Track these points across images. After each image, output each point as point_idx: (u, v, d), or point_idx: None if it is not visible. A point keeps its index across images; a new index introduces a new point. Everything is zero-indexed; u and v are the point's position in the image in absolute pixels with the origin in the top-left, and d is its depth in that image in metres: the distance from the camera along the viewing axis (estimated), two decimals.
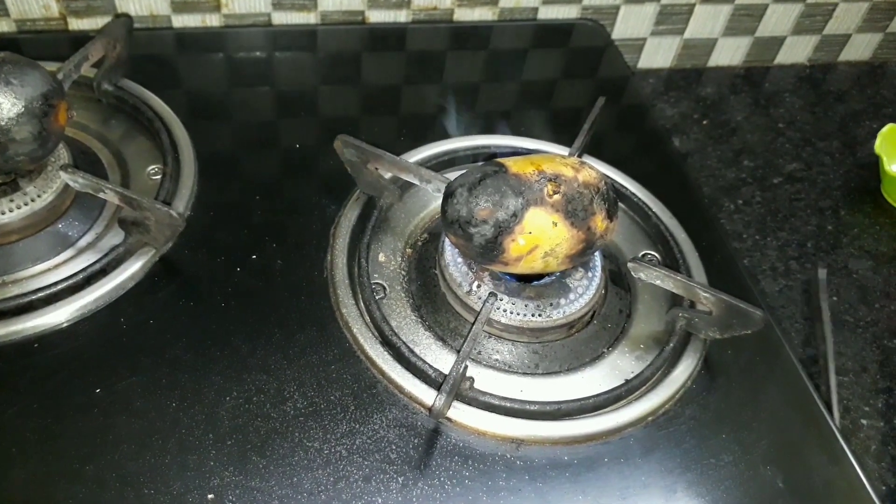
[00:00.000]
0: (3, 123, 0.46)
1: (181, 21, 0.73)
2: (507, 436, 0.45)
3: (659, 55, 0.88)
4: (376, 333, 0.49)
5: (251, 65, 0.71)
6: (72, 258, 0.52)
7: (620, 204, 0.59)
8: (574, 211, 0.45)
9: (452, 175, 0.49)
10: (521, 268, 0.46)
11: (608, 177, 0.48)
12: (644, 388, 0.48)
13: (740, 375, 0.51)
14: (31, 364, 0.45)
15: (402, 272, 0.54)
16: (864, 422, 0.55)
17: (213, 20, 0.74)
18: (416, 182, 0.53)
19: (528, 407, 0.45)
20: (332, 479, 0.42)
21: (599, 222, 0.46)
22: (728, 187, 0.74)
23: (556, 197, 0.44)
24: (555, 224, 0.44)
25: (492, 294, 0.49)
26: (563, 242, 0.45)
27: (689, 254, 0.56)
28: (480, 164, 0.47)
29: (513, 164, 0.46)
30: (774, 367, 0.52)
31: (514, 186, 0.44)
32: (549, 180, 0.44)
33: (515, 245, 0.44)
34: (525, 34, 0.80)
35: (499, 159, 0.46)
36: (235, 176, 0.59)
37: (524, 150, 0.62)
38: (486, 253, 0.45)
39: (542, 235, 0.44)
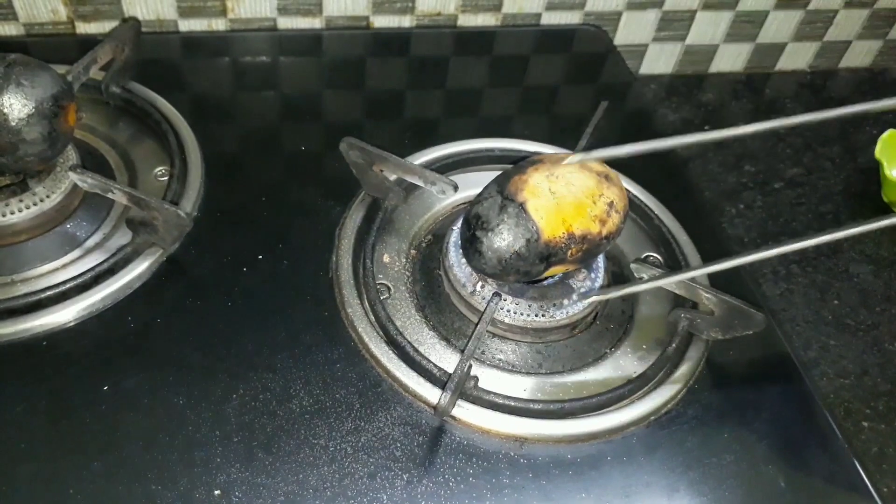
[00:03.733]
0: (13, 124, 0.47)
1: (188, 25, 0.74)
2: (511, 434, 0.45)
3: (661, 61, 0.89)
4: (381, 333, 0.49)
5: (257, 68, 0.71)
6: (80, 258, 0.52)
7: None
8: (589, 251, 0.46)
9: (457, 177, 0.49)
10: None
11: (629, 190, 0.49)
12: (647, 387, 0.49)
13: (742, 376, 0.51)
14: (39, 362, 0.46)
15: (407, 273, 0.54)
16: (865, 424, 0.55)
17: (219, 24, 0.75)
18: (420, 184, 0.53)
19: (531, 406, 0.46)
20: (337, 475, 0.43)
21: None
22: (729, 192, 0.75)
23: (578, 255, 0.46)
24: None
25: (496, 294, 0.49)
26: None
27: (691, 256, 0.57)
28: (513, 208, 0.44)
29: (545, 214, 0.44)
30: (776, 368, 0.52)
31: (543, 254, 0.45)
32: (576, 243, 0.45)
33: None
34: (528, 40, 0.81)
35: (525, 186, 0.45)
36: (242, 177, 0.60)
37: (527, 154, 0.63)
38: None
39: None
